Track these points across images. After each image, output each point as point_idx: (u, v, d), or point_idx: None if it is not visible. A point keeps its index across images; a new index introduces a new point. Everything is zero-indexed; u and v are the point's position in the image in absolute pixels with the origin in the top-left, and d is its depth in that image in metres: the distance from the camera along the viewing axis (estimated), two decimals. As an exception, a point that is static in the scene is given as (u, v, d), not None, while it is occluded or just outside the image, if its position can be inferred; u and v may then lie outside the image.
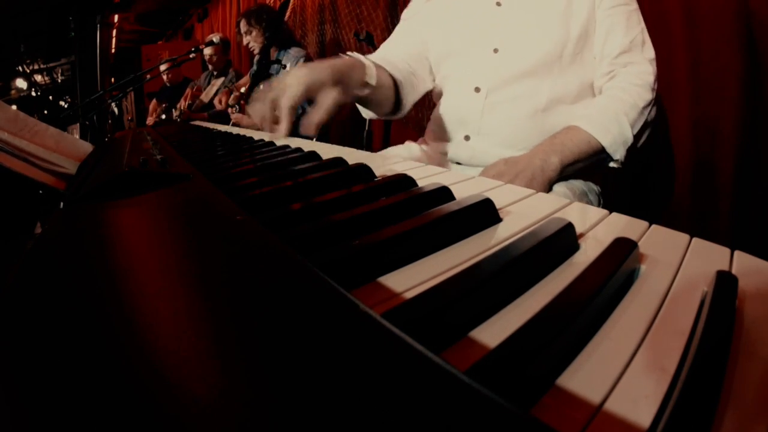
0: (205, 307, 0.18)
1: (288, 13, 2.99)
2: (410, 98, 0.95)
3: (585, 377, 0.17)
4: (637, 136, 0.79)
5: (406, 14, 1.06)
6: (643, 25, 0.84)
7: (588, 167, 0.81)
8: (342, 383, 0.13)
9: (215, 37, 2.69)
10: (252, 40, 2.33)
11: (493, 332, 0.20)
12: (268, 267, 0.21)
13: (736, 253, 0.27)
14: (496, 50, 0.86)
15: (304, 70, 0.70)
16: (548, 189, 0.75)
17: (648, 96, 0.80)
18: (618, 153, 0.78)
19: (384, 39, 1.09)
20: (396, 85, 0.90)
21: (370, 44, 1.96)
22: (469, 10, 0.91)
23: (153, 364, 0.14)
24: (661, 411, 0.15)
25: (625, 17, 0.82)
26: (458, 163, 0.91)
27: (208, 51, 2.86)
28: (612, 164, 0.81)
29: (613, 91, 0.81)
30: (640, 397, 0.16)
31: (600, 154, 0.78)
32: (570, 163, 0.76)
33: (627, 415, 0.15)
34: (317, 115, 0.70)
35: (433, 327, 0.20)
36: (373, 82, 0.81)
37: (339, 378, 0.13)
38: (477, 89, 0.87)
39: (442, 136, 0.94)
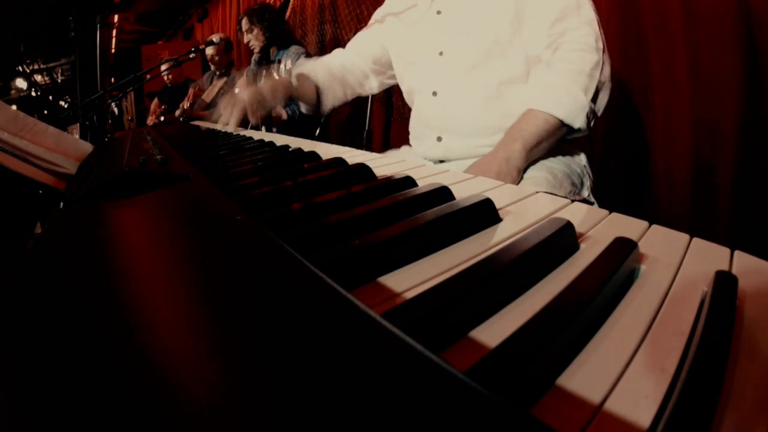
0: (205, 307, 0.18)
1: (288, 13, 2.99)
2: (328, 104, 1.20)
3: (585, 377, 0.17)
4: (593, 100, 0.79)
5: (376, 16, 1.17)
6: None
7: (555, 144, 0.82)
8: (342, 383, 0.13)
9: (216, 37, 2.68)
10: (253, 39, 2.34)
11: (493, 332, 0.20)
12: (268, 267, 0.21)
13: (736, 253, 0.27)
14: (441, 53, 0.93)
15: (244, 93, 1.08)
16: (519, 177, 0.76)
17: (593, 57, 0.79)
18: (578, 121, 0.78)
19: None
20: (318, 92, 1.17)
21: (370, 44, 1.96)
22: (416, 23, 1.01)
23: (153, 364, 0.14)
24: (661, 411, 0.15)
25: None
26: (440, 161, 0.98)
27: (209, 51, 2.86)
28: (577, 135, 0.82)
29: (556, 64, 0.81)
30: (640, 397, 0.16)
31: (561, 128, 0.79)
32: (533, 146, 0.77)
33: (627, 415, 0.15)
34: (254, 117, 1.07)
35: (433, 327, 0.20)
36: (297, 94, 1.14)
37: (339, 378, 0.13)
38: (434, 93, 0.94)
39: (420, 141, 1.02)
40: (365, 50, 1.15)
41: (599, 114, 0.82)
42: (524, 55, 0.87)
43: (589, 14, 0.83)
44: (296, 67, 1.26)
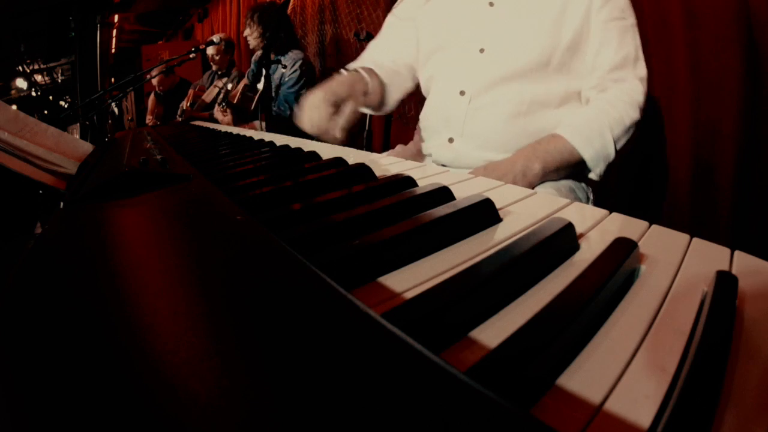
0: (205, 307, 0.18)
1: (288, 12, 2.99)
2: (395, 96, 1.04)
3: (585, 377, 0.17)
4: (618, 153, 0.79)
5: (398, 12, 1.07)
6: (638, 42, 0.83)
7: (569, 174, 0.82)
8: (342, 383, 0.13)
9: (216, 37, 2.68)
10: (250, 35, 2.35)
11: (493, 332, 0.20)
12: (269, 267, 0.21)
13: (736, 253, 0.27)
14: (482, 50, 0.86)
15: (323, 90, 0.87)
16: None
17: (635, 115, 0.79)
18: (598, 168, 0.79)
19: (384, 39, 1.12)
20: (383, 86, 1.01)
21: (370, 44, 1.96)
22: (461, 8, 0.91)
23: (153, 364, 0.14)
24: (661, 411, 0.15)
25: (619, 32, 0.81)
26: (443, 165, 0.92)
27: (210, 51, 2.86)
28: (591, 176, 0.82)
29: (601, 103, 0.80)
30: (640, 397, 0.16)
31: (580, 166, 0.79)
32: (551, 170, 0.77)
33: (627, 415, 0.15)
34: (340, 119, 0.86)
35: (434, 327, 0.20)
36: (370, 90, 0.95)
37: (339, 378, 0.13)
38: (462, 92, 0.87)
39: (428, 137, 0.96)
40: (407, 41, 1.02)
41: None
42: (566, 85, 0.84)
43: (644, 71, 0.82)
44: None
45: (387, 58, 1.04)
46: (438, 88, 0.94)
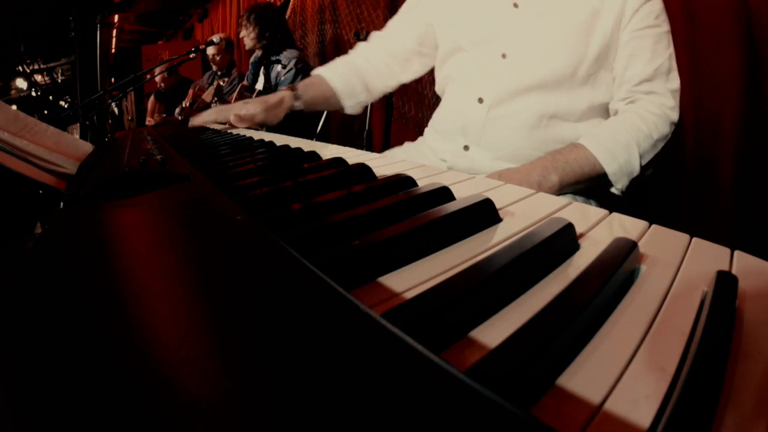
0: (205, 307, 0.18)
1: (288, 13, 2.99)
2: (350, 105, 1.11)
3: (585, 377, 0.17)
4: (644, 168, 0.74)
5: (409, 4, 1.06)
6: (671, 50, 0.78)
7: (587, 189, 0.77)
8: (342, 383, 0.13)
9: (216, 37, 2.68)
10: (246, 36, 2.35)
11: (493, 332, 0.20)
12: (268, 267, 0.21)
13: (736, 253, 0.27)
14: (504, 55, 0.81)
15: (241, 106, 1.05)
16: None
17: (665, 130, 0.75)
18: (620, 183, 0.74)
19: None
20: (335, 96, 1.09)
21: (370, 44, 1.96)
22: (483, 7, 0.86)
23: (153, 364, 0.14)
24: (661, 411, 0.15)
25: (652, 41, 0.76)
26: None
27: (210, 51, 2.86)
28: (612, 190, 0.77)
29: (629, 115, 0.75)
30: (640, 397, 0.16)
31: (601, 179, 0.74)
32: (569, 184, 0.72)
33: (627, 415, 0.15)
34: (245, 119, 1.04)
35: (434, 327, 0.20)
36: (299, 106, 1.07)
37: (339, 378, 0.13)
38: (480, 100, 0.83)
39: (442, 141, 0.92)
40: (409, 32, 1.02)
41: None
42: (590, 97, 0.79)
43: (677, 83, 0.77)
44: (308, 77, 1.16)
45: (371, 53, 1.08)
46: (455, 91, 0.91)
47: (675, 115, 0.76)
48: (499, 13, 0.83)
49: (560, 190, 0.72)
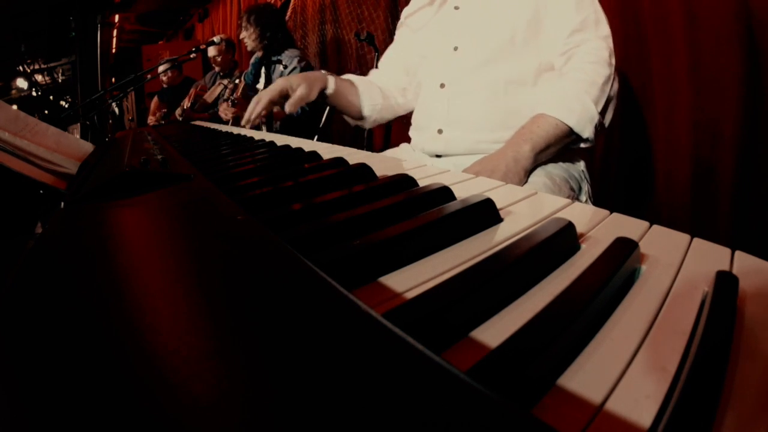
0: (205, 307, 0.18)
1: (288, 13, 2.99)
2: (369, 108, 1.15)
3: (586, 377, 0.17)
4: (602, 113, 0.81)
5: (406, 20, 1.14)
6: (597, 6, 0.86)
7: (561, 150, 0.83)
8: (343, 383, 0.13)
9: (217, 38, 2.68)
10: (247, 37, 2.36)
11: (494, 332, 0.20)
12: (269, 267, 0.21)
13: (737, 253, 0.27)
14: (456, 48, 0.94)
15: (281, 79, 1.04)
16: (525, 179, 0.77)
17: (605, 71, 0.81)
18: (586, 131, 0.80)
19: (384, 39, 1.23)
20: (360, 95, 1.14)
21: (370, 44, 1.96)
22: (436, 17, 1.02)
23: (153, 364, 0.14)
24: (662, 411, 0.15)
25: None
26: (437, 156, 0.97)
27: (211, 51, 2.86)
28: (583, 144, 0.83)
29: (570, 73, 0.83)
30: (641, 397, 0.16)
31: (570, 136, 0.81)
32: (541, 149, 0.78)
33: (628, 415, 0.15)
34: (292, 99, 1.02)
35: (434, 327, 0.20)
36: (330, 91, 1.08)
37: (340, 378, 0.13)
38: (442, 85, 0.95)
39: (419, 134, 1.02)
40: (395, 64, 1.15)
41: (605, 128, 0.83)
42: (537, 59, 0.88)
43: (606, 30, 0.85)
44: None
45: (388, 76, 1.16)
46: (423, 90, 1.04)
47: (609, 57, 0.84)
48: (446, 17, 0.99)
49: (536, 158, 0.78)
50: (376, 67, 1.25)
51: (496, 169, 0.74)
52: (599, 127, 0.81)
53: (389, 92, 1.16)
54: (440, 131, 0.95)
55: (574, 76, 0.82)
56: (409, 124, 1.10)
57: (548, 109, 0.80)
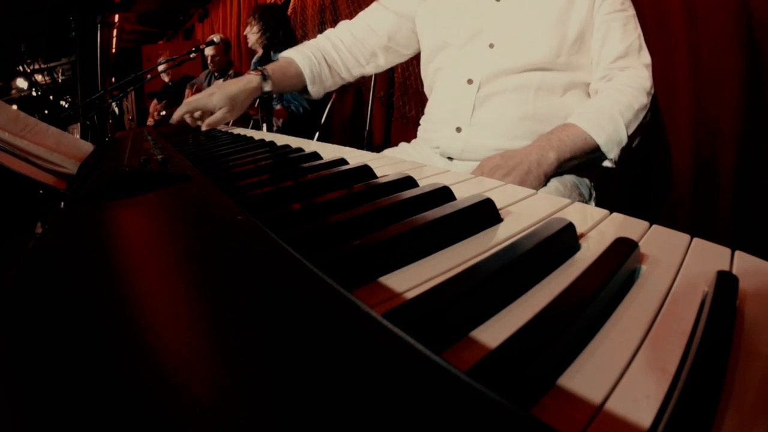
0: (206, 307, 0.18)
1: (288, 12, 2.99)
2: (319, 86, 1.12)
3: (586, 377, 0.17)
4: (631, 137, 0.80)
5: (387, 3, 1.08)
6: (639, 31, 0.86)
7: (583, 164, 0.82)
8: (343, 383, 0.13)
9: (216, 37, 2.68)
10: (250, 33, 2.41)
11: (494, 332, 0.20)
12: (269, 267, 0.21)
13: (737, 253, 0.27)
14: (491, 45, 0.88)
15: (205, 96, 1.02)
16: (544, 183, 0.77)
17: (643, 99, 0.81)
18: (612, 152, 0.80)
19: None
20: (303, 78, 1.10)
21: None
22: (466, 4, 0.92)
23: (154, 364, 0.14)
24: (662, 411, 0.15)
25: (621, 23, 0.84)
26: (449, 158, 0.93)
27: (209, 51, 2.86)
28: (606, 163, 0.83)
29: (609, 91, 0.82)
30: (641, 397, 0.16)
31: (595, 152, 0.80)
32: (566, 160, 0.78)
33: (628, 415, 0.15)
34: (210, 119, 1.01)
35: (434, 327, 0.20)
36: (268, 88, 1.05)
37: (340, 378, 0.13)
38: (470, 81, 0.89)
39: (434, 129, 0.96)
40: (380, 25, 1.08)
41: (628, 153, 0.83)
42: (572, 75, 0.87)
43: (648, 58, 0.85)
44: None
45: (336, 40, 1.11)
46: (444, 79, 0.96)
47: (650, 87, 0.83)
48: (482, 8, 0.90)
49: (558, 167, 0.77)
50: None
51: (519, 167, 0.74)
52: (624, 152, 0.81)
53: (342, 64, 1.11)
54: (459, 129, 0.90)
55: (612, 95, 0.81)
56: (409, 123, 1.09)
57: (581, 122, 0.79)
